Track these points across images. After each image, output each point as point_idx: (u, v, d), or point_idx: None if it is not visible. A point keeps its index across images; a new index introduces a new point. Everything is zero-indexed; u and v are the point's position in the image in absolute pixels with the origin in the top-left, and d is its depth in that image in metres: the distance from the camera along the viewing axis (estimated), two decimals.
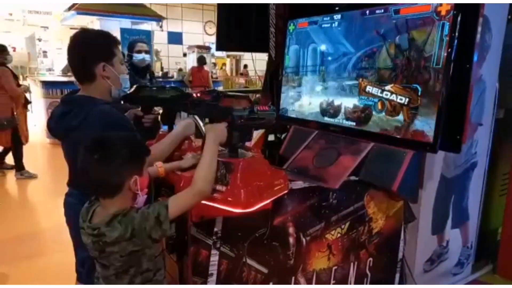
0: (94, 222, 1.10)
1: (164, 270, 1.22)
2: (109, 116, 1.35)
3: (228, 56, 12.18)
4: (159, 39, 10.40)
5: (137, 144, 1.16)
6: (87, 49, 1.40)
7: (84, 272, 1.44)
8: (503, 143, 2.36)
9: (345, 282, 1.69)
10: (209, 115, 1.31)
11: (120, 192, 1.08)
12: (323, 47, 1.82)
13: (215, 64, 10.57)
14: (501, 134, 2.30)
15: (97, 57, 1.39)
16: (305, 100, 1.92)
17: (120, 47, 1.48)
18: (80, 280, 1.53)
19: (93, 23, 7.68)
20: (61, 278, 2.14)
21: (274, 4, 2.13)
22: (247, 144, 2.16)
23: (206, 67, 7.99)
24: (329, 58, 1.78)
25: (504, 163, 2.39)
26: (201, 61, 7.75)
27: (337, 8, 1.74)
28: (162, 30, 10.07)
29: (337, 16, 1.73)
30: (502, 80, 2.16)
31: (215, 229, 1.33)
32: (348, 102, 1.68)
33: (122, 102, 1.58)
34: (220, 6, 2.47)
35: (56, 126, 1.43)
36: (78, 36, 1.43)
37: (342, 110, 1.72)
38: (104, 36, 1.45)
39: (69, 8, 7.81)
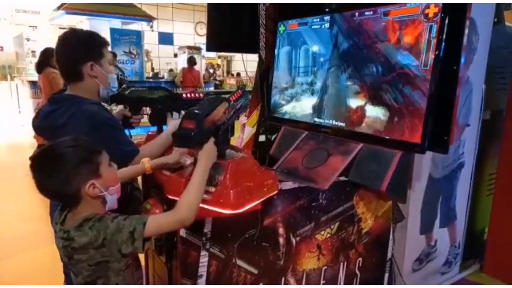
0: (66, 225, 1.08)
1: (135, 284, 1.19)
2: (96, 115, 1.34)
3: (219, 57, 12.16)
4: (150, 39, 10.33)
5: (82, 148, 1.08)
6: (76, 49, 1.41)
7: (71, 273, 1.43)
8: (489, 144, 2.40)
9: (334, 282, 1.70)
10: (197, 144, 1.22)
11: (80, 200, 1.06)
12: (313, 48, 1.83)
13: (213, 64, 10.55)
14: (487, 135, 2.33)
15: (85, 56, 1.40)
16: (295, 100, 1.93)
17: (109, 48, 1.49)
18: (67, 282, 1.52)
19: (82, 23, 7.60)
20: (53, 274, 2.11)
21: (264, 5, 2.13)
22: (238, 145, 2.16)
23: (197, 67, 7.97)
24: (320, 59, 1.79)
25: (490, 164, 2.43)
26: (191, 61, 7.73)
27: (327, 10, 1.75)
28: (152, 31, 10.01)
29: (327, 18, 1.74)
30: (488, 82, 2.20)
31: (205, 230, 1.32)
32: (338, 102, 1.69)
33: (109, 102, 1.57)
34: (211, 6, 2.46)
35: (42, 125, 1.42)
36: (67, 35, 1.44)
37: (332, 110, 1.73)
38: (92, 36, 1.45)
39: (58, 8, 7.72)
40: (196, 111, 1.18)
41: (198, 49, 9.79)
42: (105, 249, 1.02)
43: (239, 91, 1.39)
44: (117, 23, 7.93)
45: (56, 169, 1.02)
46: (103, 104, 1.49)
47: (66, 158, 1.03)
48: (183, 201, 1.09)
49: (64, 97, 1.43)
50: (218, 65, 10.54)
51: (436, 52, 1.33)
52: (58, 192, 1.05)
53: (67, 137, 1.09)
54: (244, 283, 1.44)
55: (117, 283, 1.09)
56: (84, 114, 1.34)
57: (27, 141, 6.32)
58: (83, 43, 1.42)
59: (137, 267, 1.21)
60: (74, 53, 1.41)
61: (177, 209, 1.09)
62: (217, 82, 9.84)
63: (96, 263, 1.04)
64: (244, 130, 2.35)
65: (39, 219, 3.35)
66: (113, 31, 7.19)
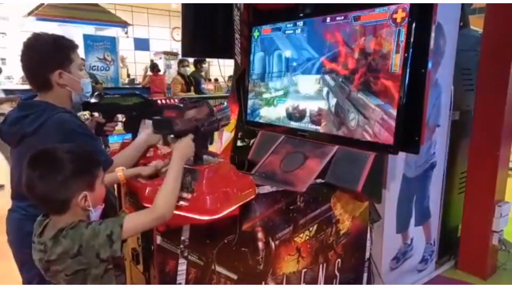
0: (44, 236, 1.05)
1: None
2: (68, 124, 1.30)
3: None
4: (125, 45, 10.17)
5: (86, 157, 1.07)
6: (41, 56, 1.32)
7: None
8: (459, 143, 2.49)
9: (314, 284, 1.71)
10: (175, 132, 1.26)
11: (67, 210, 1.03)
12: (287, 53, 1.85)
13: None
14: (457, 135, 2.42)
15: (52, 64, 1.32)
16: (271, 105, 1.94)
17: (78, 51, 1.42)
18: None
19: (54, 29, 7.41)
20: None
21: (238, 10, 2.14)
22: (215, 150, 2.15)
23: (161, 73, 7.90)
24: (293, 63, 1.81)
25: (461, 163, 2.52)
26: (156, 68, 7.64)
27: (300, 15, 1.78)
28: (127, 37, 9.85)
29: (300, 23, 1.76)
30: (457, 84, 2.28)
31: (182, 238, 1.31)
32: (313, 106, 1.72)
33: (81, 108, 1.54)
34: (185, 12, 2.45)
35: (9, 131, 1.35)
36: (31, 42, 1.34)
37: (308, 113, 1.75)
38: (59, 41, 1.36)
39: (29, 14, 7.50)
40: (176, 104, 1.21)
41: (175, 54, 9.71)
42: (81, 256, 0.99)
43: (221, 105, 1.44)
44: (90, 29, 7.77)
45: (54, 172, 0.99)
46: (74, 112, 1.45)
47: (67, 163, 1.00)
48: (160, 197, 1.09)
49: (35, 103, 1.37)
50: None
51: (405, 56, 1.37)
52: (48, 196, 1.00)
53: (71, 144, 1.07)
54: None
55: None
56: (56, 123, 1.29)
57: None
58: (49, 50, 1.33)
59: (116, 264, 1.18)
60: (40, 63, 1.32)
61: (155, 207, 1.08)
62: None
63: (73, 272, 1.01)
64: (222, 136, 2.35)
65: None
66: (86, 37, 7.04)
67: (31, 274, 1.19)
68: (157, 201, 1.08)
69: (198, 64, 6.65)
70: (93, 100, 1.56)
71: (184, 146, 1.19)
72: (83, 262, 1.01)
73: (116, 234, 1.00)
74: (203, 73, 6.65)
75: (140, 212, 1.11)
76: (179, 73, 6.53)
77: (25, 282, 1.41)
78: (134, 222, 1.05)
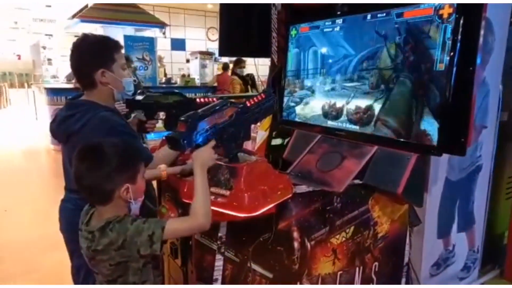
0: (91, 225, 1.11)
1: (151, 282, 1.19)
2: (108, 123, 1.36)
3: (231, 62, 12.22)
4: (163, 45, 10.46)
5: (130, 152, 1.13)
6: (85, 56, 1.41)
7: (80, 280, 1.44)
8: (507, 145, 2.34)
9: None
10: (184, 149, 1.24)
11: (111, 200, 1.09)
12: (324, 51, 1.82)
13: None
14: (505, 136, 2.28)
15: (95, 64, 1.39)
16: (307, 103, 1.93)
17: (122, 51, 1.48)
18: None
19: (97, 30, 7.75)
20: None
21: (275, 9, 2.14)
22: (251, 148, 2.17)
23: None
24: (330, 60, 1.78)
25: (509, 166, 2.37)
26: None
27: (339, 13, 1.74)
28: (165, 37, 10.11)
29: (339, 21, 1.73)
30: (506, 83, 2.15)
31: (220, 234, 1.32)
32: (350, 104, 1.68)
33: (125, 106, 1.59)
34: (222, 12, 2.48)
35: (58, 129, 1.44)
36: (78, 42, 1.43)
37: (344, 111, 1.72)
38: (103, 42, 1.44)
39: (73, 16, 7.90)
40: (189, 114, 1.18)
41: (210, 54, 9.87)
42: (124, 250, 1.04)
43: (262, 94, 1.37)
44: (130, 30, 8.05)
45: (101, 164, 1.06)
46: (118, 110, 1.51)
47: (113, 157, 1.07)
48: (197, 209, 1.11)
49: (80, 102, 1.45)
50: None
51: (451, 53, 1.31)
52: (95, 186, 1.07)
53: (117, 138, 1.15)
54: None
55: (134, 282, 1.12)
56: (99, 121, 1.35)
57: (43, 147, 6.46)
58: (93, 50, 1.41)
59: (155, 266, 1.23)
60: (84, 61, 1.41)
61: (195, 215, 1.11)
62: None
63: (117, 263, 1.07)
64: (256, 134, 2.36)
65: (54, 222, 3.41)
66: (126, 38, 7.28)
67: (80, 262, 1.26)
68: (196, 210, 1.11)
69: None
70: (137, 98, 1.62)
71: (202, 155, 1.18)
72: (125, 255, 1.06)
73: (157, 235, 1.05)
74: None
75: (182, 218, 1.16)
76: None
77: (74, 269, 1.49)
78: (175, 226, 1.10)
